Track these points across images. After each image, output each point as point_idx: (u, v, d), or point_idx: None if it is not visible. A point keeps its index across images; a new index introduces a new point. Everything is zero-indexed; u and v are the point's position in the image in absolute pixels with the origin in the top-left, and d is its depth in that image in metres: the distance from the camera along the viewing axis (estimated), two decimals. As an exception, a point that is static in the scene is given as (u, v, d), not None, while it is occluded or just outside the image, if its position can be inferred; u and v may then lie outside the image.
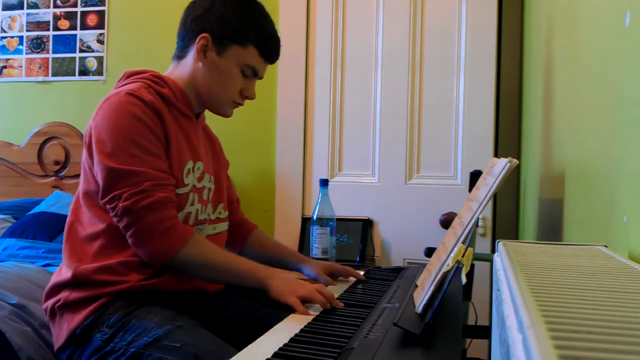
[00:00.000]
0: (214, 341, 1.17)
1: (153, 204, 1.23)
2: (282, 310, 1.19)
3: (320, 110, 2.57)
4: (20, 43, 2.97)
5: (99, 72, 2.87)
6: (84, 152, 1.33)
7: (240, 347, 0.92)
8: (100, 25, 2.87)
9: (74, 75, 2.90)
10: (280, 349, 0.87)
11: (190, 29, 1.40)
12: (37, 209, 2.53)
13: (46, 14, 2.95)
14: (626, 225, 0.71)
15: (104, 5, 2.86)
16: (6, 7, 2.99)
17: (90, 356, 1.22)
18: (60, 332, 1.28)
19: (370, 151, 2.51)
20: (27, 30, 2.96)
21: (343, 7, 2.55)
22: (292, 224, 2.57)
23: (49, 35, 2.94)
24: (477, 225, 2.26)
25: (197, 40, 1.38)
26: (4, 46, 2.99)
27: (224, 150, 1.62)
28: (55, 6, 2.93)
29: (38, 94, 2.95)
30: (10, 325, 1.44)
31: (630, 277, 0.54)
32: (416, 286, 1.07)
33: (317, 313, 1.13)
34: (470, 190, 1.46)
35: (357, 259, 2.35)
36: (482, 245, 2.31)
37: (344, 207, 2.41)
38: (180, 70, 1.42)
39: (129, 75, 1.40)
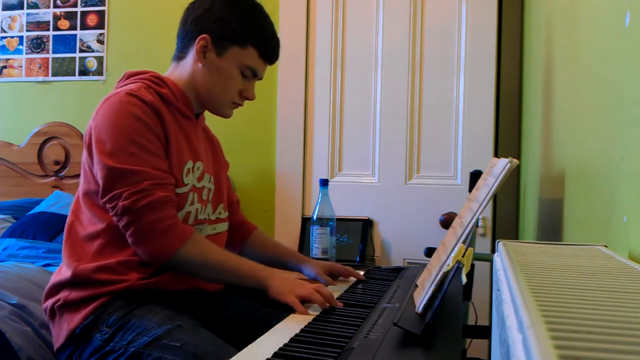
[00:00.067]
0: (213, 340, 1.17)
1: (152, 203, 1.23)
2: (282, 310, 1.20)
3: (320, 110, 2.57)
4: (20, 43, 2.97)
5: (99, 72, 2.87)
6: (84, 152, 1.33)
7: (240, 347, 0.92)
8: (100, 25, 2.87)
9: (74, 75, 2.91)
10: (280, 349, 0.87)
11: (189, 30, 1.40)
12: (37, 209, 2.53)
13: (46, 14, 2.95)
14: (626, 225, 0.71)
15: (104, 5, 2.87)
16: (6, 7, 2.99)
17: (90, 356, 1.22)
18: (60, 332, 1.28)
19: (370, 151, 2.51)
20: (27, 30, 2.96)
21: (343, 7, 2.55)
22: (292, 224, 2.57)
23: (49, 35, 2.94)
24: (477, 225, 2.26)
25: (196, 41, 1.38)
26: (4, 46, 2.99)
27: (224, 150, 1.62)
28: (55, 6, 2.93)
29: (38, 94, 2.95)
30: (10, 325, 1.44)
31: (630, 277, 0.54)
32: (416, 286, 1.07)
33: (317, 313, 1.13)
34: (470, 190, 1.46)
35: (357, 259, 2.35)
36: (482, 245, 2.31)
37: (344, 207, 2.41)
38: (180, 71, 1.42)
39: (129, 76, 1.40)
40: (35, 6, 2.96)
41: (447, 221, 2.14)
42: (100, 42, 2.87)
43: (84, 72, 2.89)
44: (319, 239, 2.08)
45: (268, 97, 2.60)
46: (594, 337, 0.35)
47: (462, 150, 2.37)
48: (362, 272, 1.56)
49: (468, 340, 1.85)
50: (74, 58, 2.90)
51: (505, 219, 2.35)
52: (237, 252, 1.61)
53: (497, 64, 2.33)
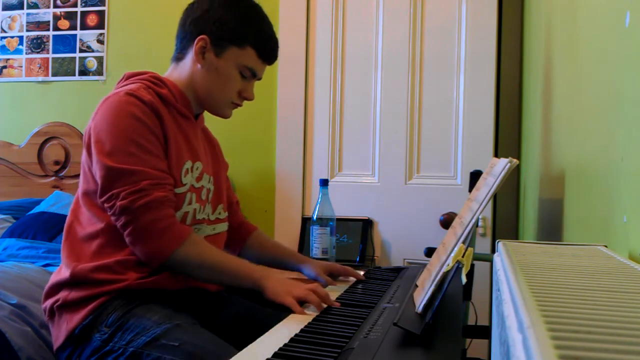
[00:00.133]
0: (212, 340, 1.17)
1: (150, 203, 1.23)
2: (282, 311, 1.19)
3: (320, 110, 2.57)
4: (20, 43, 2.97)
5: (99, 72, 2.87)
6: (84, 152, 1.33)
7: (240, 347, 0.92)
8: (100, 25, 2.87)
9: (74, 75, 2.91)
10: (280, 349, 0.87)
11: (188, 31, 1.40)
12: (37, 209, 2.53)
13: (46, 14, 2.95)
14: (626, 225, 0.71)
15: (104, 5, 2.87)
16: (6, 7, 2.99)
17: (90, 356, 1.22)
18: (59, 332, 1.28)
19: (370, 151, 2.51)
20: (27, 30, 2.96)
21: (343, 7, 2.55)
22: (292, 224, 2.57)
23: (49, 35, 2.94)
24: (477, 225, 2.26)
25: (195, 42, 1.38)
26: (4, 46, 2.99)
27: (223, 150, 1.62)
28: (55, 6, 2.93)
29: (38, 94, 2.95)
30: (10, 325, 1.44)
31: (630, 277, 0.54)
32: (416, 286, 1.07)
33: (316, 313, 1.13)
34: (470, 190, 1.46)
35: (357, 259, 2.35)
36: (482, 245, 2.31)
37: (344, 207, 2.41)
38: (179, 71, 1.43)
39: (129, 76, 1.40)
40: (35, 6, 2.96)
41: (447, 221, 2.14)
42: (100, 42, 2.87)
43: (84, 72, 2.89)
44: (319, 239, 2.08)
45: (268, 97, 2.60)
46: (594, 337, 0.35)
47: (462, 150, 2.37)
48: (362, 272, 1.56)
49: (468, 340, 1.85)
50: (74, 58, 2.90)
51: (505, 219, 2.35)
52: (236, 252, 1.61)
53: (497, 64, 2.33)
